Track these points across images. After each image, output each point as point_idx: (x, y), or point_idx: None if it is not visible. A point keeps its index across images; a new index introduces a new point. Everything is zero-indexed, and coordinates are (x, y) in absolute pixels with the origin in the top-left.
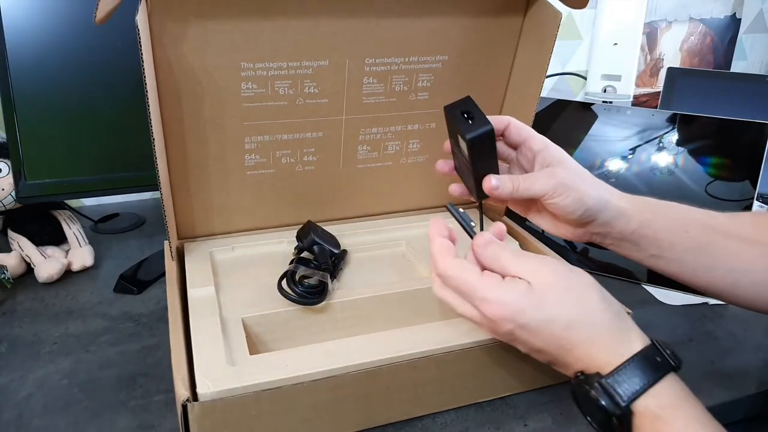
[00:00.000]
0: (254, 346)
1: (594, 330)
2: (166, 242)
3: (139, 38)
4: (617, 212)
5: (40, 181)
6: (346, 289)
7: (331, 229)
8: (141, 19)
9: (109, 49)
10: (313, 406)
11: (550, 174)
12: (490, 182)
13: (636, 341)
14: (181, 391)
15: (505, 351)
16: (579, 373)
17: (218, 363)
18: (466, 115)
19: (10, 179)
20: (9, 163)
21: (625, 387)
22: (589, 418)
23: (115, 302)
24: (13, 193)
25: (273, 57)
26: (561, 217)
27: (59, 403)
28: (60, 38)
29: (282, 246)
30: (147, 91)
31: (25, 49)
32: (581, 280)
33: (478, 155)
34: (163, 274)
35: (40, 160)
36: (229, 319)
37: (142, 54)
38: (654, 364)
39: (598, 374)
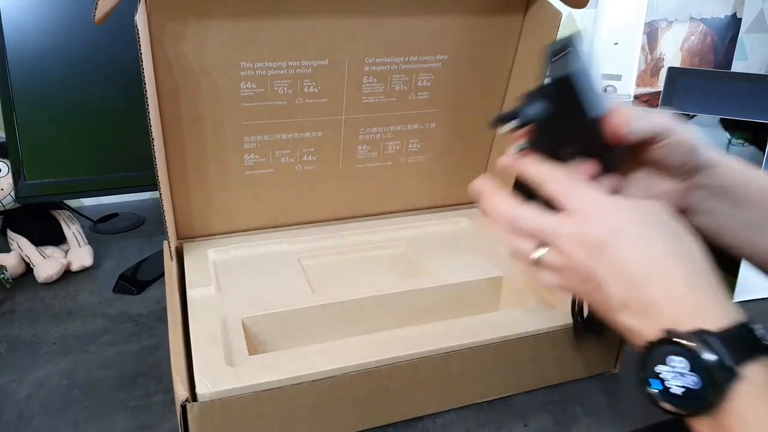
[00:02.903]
0: (254, 347)
1: (698, 270)
2: (165, 242)
3: (139, 38)
4: (720, 161)
5: (39, 181)
6: (346, 288)
7: (330, 229)
8: (140, 18)
9: (109, 49)
10: (313, 407)
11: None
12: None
13: (737, 308)
14: (181, 392)
15: (506, 351)
16: (667, 331)
17: (217, 363)
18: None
19: (9, 179)
20: (8, 163)
21: (738, 348)
22: (658, 391)
23: (115, 302)
24: (13, 193)
25: (272, 56)
26: (666, 168)
27: (59, 403)
28: (59, 38)
29: (282, 246)
30: (146, 91)
31: (25, 48)
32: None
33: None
34: (163, 274)
35: (39, 160)
36: (229, 320)
37: (141, 54)
38: (755, 338)
39: (702, 330)
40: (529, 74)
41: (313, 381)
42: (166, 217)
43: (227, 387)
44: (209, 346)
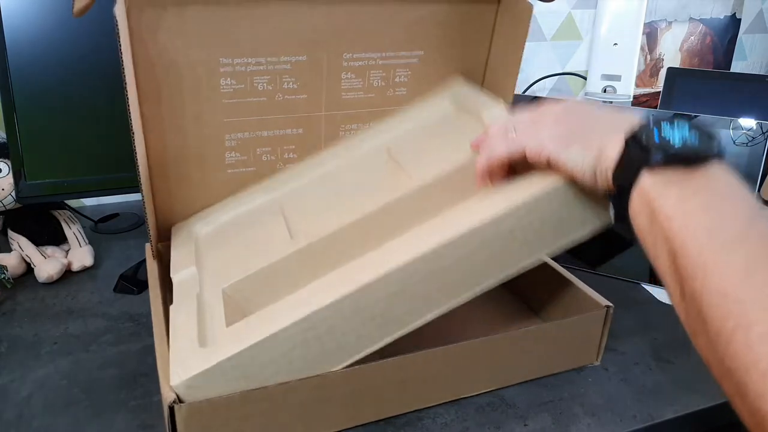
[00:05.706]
0: (239, 314)
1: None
2: (147, 245)
3: (117, 30)
4: None
5: (40, 182)
6: (325, 223)
7: (315, 160)
8: (119, 10)
9: (110, 49)
10: (301, 405)
11: None
12: None
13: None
14: (168, 393)
15: (500, 342)
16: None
17: (191, 347)
18: None
19: (10, 179)
20: (9, 163)
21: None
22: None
23: (115, 302)
24: (13, 193)
25: (252, 52)
26: None
27: (59, 403)
28: (60, 38)
29: (267, 195)
30: (126, 88)
31: (25, 49)
32: None
33: None
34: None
35: (40, 160)
36: (208, 295)
37: (120, 47)
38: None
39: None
40: (503, 69)
41: (299, 381)
42: (148, 218)
43: (196, 371)
44: (185, 330)
